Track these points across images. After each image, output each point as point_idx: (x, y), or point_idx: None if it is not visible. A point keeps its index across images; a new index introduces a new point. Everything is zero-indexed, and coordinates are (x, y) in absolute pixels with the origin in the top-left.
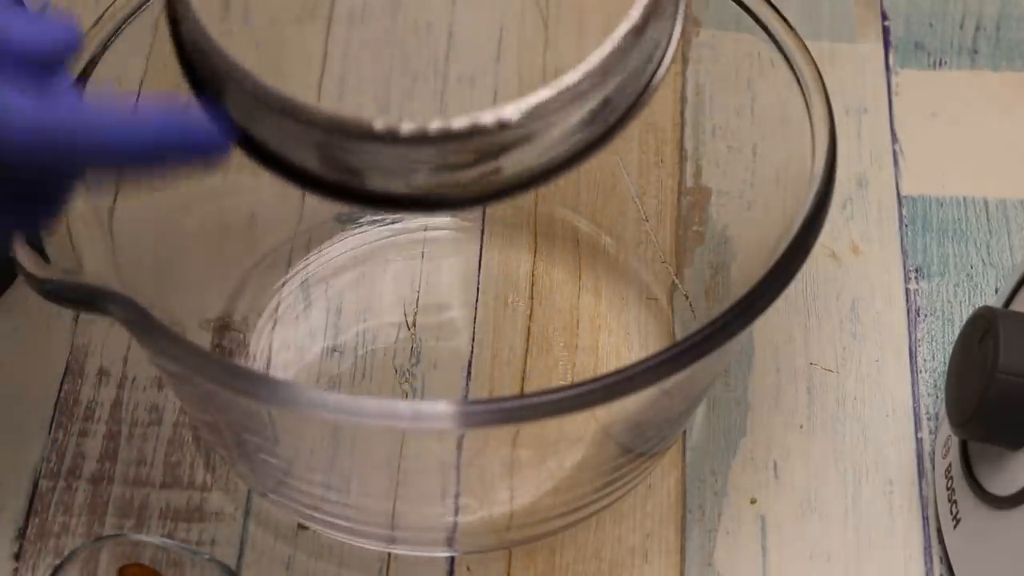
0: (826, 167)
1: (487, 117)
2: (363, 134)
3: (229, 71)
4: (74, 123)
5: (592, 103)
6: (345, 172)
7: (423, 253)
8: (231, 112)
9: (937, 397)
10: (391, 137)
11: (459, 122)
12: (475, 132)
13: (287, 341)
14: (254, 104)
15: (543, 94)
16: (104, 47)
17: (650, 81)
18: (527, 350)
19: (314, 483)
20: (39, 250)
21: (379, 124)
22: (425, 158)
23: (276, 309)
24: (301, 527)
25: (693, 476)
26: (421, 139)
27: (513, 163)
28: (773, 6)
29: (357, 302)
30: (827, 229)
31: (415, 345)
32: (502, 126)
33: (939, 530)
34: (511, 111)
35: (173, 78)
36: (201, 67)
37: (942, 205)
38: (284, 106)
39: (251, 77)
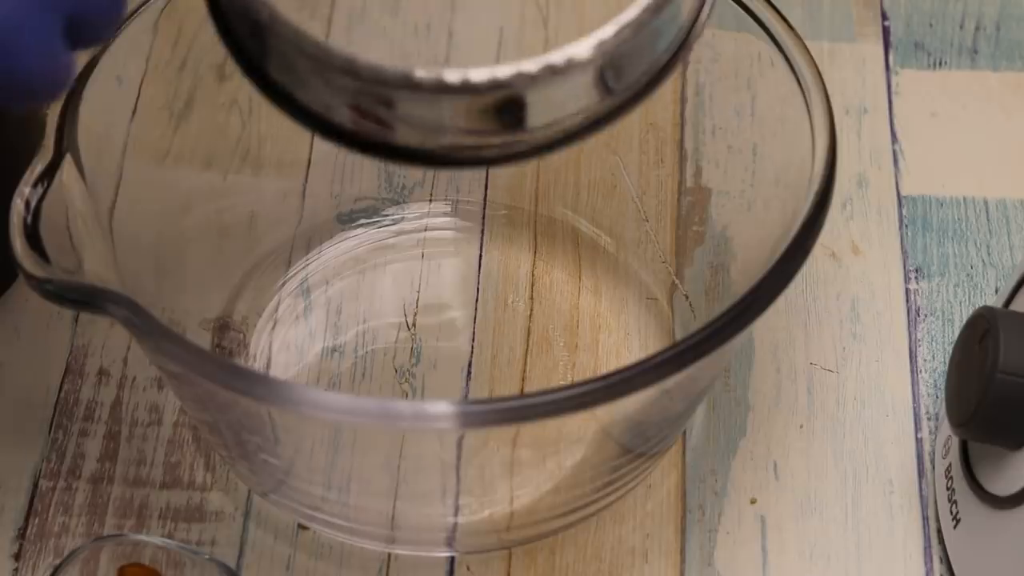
0: (826, 167)
1: (556, 57)
2: (438, 88)
3: (275, 25)
4: None
5: (649, 40)
6: (392, 127)
7: (423, 253)
8: (283, 80)
9: (937, 397)
10: (466, 88)
11: (529, 65)
12: (544, 73)
13: (287, 341)
14: (320, 67)
15: (605, 31)
16: (104, 47)
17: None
18: (527, 350)
19: (314, 483)
20: (39, 250)
21: (452, 76)
22: (494, 106)
23: (276, 309)
24: (301, 527)
25: (693, 476)
26: (494, 86)
27: (574, 105)
28: (773, 6)
29: (357, 302)
30: (827, 229)
31: (415, 345)
32: (571, 65)
33: (939, 530)
34: (580, 49)
35: (173, 78)
36: (238, 23)
37: (942, 205)
38: (346, 64)
39: (314, 40)
